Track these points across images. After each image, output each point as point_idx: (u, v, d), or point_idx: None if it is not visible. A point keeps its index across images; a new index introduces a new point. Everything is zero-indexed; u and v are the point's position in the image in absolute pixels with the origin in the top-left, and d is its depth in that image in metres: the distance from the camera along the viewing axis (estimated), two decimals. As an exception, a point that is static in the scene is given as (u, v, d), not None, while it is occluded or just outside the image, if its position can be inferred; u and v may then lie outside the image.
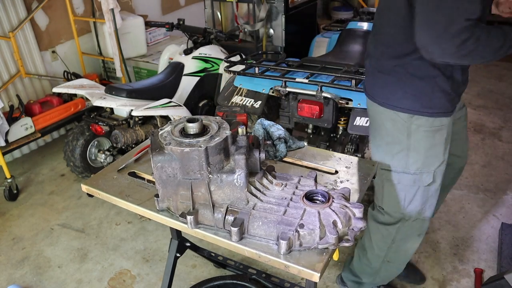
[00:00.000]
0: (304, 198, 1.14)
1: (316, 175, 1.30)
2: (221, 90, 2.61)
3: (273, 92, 2.34)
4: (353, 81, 2.06)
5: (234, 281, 1.86)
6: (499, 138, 3.60)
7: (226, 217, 1.14)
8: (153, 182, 1.32)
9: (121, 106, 2.70)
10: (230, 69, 2.38)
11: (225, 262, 2.01)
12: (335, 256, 1.14)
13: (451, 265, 2.35)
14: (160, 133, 1.20)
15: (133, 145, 2.84)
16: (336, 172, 1.43)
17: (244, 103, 2.40)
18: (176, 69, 3.06)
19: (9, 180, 2.92)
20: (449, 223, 2.65)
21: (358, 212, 1.11)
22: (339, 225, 1.07)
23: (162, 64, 3.35)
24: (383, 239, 1.82)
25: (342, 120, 2.47)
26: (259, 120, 1.56)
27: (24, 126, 2.91)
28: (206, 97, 3.25)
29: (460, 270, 2.32)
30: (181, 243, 1.86)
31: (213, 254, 2.00)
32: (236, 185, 1.14)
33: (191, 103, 3.12)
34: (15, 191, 2.98)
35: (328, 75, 2.16)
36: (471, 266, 2.33)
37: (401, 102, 1.53)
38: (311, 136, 2.61)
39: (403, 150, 1.60)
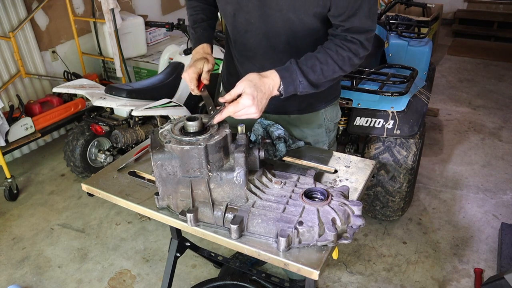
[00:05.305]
0: (303, 196, 1.14)
1: (315, 173, 1.30)
2: (221, 90, 2.61)
3: None
4: (354, 81, 2.06)
5: (234, 282, 1.86)
6: (499, 138, 3.60)
7: (226, 214, 1.14)
8: (153, 181, 1.32)
9: (121, 106, 2.70)
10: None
11: (225, 262, 2.00)
12: (335, 255, 1.13)
13: (451, 265, 2.35)
14: (160, 131, 1.20)
15: (133, 145, 2.84)
16: (336, 171, 1.43)
17: None
18: (176, 69, 3.05)
19: (9, 180, 2.92)
20: (449, 223, 2.65)
21: (357, 210, 1.11)
22: (338, 222, 1.07)
23: (162, 64, 3.36)
24: None
25: (342, 120, 2.47)
26: (258, 120, 1.57)
27: (24, 126, 2.92)
28: (206, 97, 3.25)
29: (460, 270, 2.31)
30: (181, 243, 1.86)
31: (213, 254, 1.99)
32: (235, 183, 1.14)
33: (191, 103, 3.12)
34: (15, 191, 2.98)
35: None
36: (471, 266, 2.33)
37: None
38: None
39: None
